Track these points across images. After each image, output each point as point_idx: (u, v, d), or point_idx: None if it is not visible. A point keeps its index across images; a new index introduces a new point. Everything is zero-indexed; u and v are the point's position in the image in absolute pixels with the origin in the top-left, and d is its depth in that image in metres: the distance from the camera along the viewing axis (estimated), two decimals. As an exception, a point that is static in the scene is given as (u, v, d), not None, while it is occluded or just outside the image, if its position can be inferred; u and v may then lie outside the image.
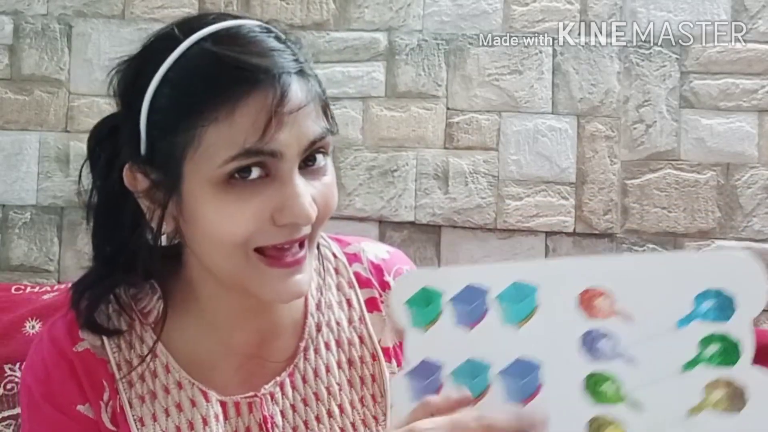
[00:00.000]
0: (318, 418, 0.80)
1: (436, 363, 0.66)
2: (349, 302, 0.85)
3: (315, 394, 0.80)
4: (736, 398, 0.59)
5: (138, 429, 0.76)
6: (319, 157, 0.71)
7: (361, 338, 0.84)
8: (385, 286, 0.86)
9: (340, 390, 0.81)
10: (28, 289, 1.49)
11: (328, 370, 0.81)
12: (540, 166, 1.73)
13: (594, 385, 0.62)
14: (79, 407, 0.76)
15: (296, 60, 0.70)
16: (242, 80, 0.67)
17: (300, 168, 0.70)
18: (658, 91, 1.73)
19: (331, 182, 0.73)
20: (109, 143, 0.77)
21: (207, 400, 0.77)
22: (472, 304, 0.66)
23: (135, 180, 0.73)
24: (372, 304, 0.85)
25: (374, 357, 0.83)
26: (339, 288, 0.86)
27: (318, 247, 0.84)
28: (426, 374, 0.66)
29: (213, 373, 0.79)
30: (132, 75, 0.73)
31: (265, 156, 0.67)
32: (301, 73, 0.70)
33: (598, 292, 0.63)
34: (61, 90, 1.75)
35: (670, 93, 1.72)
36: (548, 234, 1.73)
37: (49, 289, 1.50)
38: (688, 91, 1.72)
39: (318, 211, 0.70)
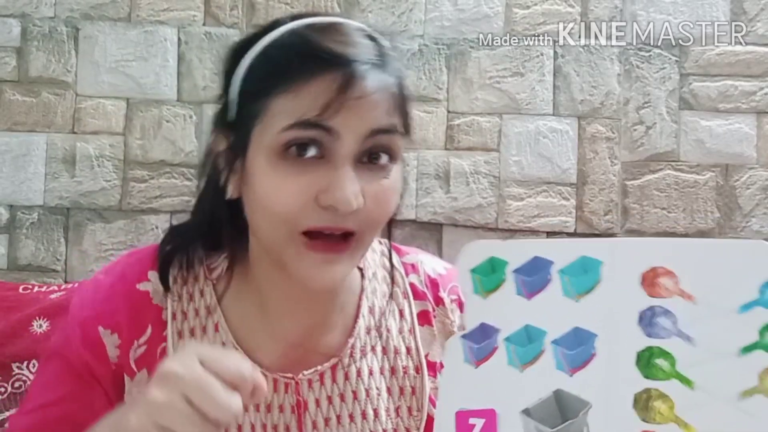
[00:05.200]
0: (351, 416, 0.80)
1: (494, 326, 0.66)
2: (401, 312, 0.85)
3: (353, 392, 0.80)
4: None
5: None
6: (383, 156, 0.71)
7: (408, 349, 0.83)
8: (439, 301, 0.86)
9: (378, 395, 0.81)
10: (36, 289, 1.51)
11: (371, 373, 0.81)
12: (541, 167, 1.74)
13: (648, 359, 0.62)
14: (100, 328, 0.78)
15: (378, 55, 0.72)
16: (316, 59, 0.69)
17: (362, 162, 0.70)
18: (658, 93, 1.74)
19: (390, 187, 0.73)
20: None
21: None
22: (535, 275, 0.66)
23: (218, 142, 0.77)
24: (424, 318, 0.85)
25: (418, 370, 0.83)
26: (393, 296, 0.85)
27: (389, 255, 0.86)
28: (482, 337, 0.66)
29: (257, 353, 0.79)
30: (235, 49, 0.77)
31: (321, 131, 0.68)
32: (379, 66, 0.71)
33: (664, 270, 0.63)
34: (68, 92, 1.76)
35: (670, 95, 1.73)
36: (549, 234, 1.74)
37: (56, 288, 1.51)
38: (687, 93, 1.73)
39: (368, 210, 0.70)
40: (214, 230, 0.81)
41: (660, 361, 0.62)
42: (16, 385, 1.39)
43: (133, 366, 0.79)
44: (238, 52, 0.76)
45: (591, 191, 1.74)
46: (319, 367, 0.80)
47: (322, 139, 0.69)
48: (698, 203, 1.72)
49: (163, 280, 0.80)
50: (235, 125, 0.74)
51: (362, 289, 0.85)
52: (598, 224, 1.73)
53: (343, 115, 0.68)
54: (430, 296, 0.86)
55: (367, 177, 0.70)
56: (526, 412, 0.64)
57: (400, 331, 0.84)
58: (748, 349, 0.60)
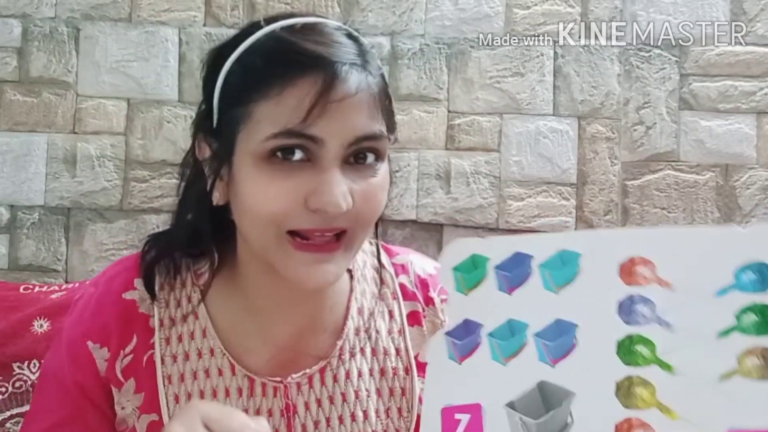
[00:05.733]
0: (341, 419, 0.80)
1: (477, 322, 0.67)
2: (390, 313, 0.85)
3: (342, 394, 0.80)
4: None
5: (164, 386, 0.77)
6: (370, 156, 0.72)
7: (397, 350, 0.83)
8: (429, 301, 0.86)
9: (368, 396, 0.81)
10: (36, 289, 1.50)
11: (359, 375, 0.81)
12: (541, 167, 1.74)
13: (628, 346, 0.63)
14: (89, 343, 0.79)
15: (359, 55, 0.72)
16: (296, 62, 0.69)
17: (348, 163, 0.71)
18: (658, 93, 1.74)
19: (378, 184, 0.73)
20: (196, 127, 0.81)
21: (233, 373, 0.78)
22: (516, 270, 0.67)
23: (202, 149, 0.77)
24: (414, 318, 0.85)
25: (407, 371, 0.83)
26: (383, 297, 0.85)
27: (377, 255, 0.86)
28: (466, 333, 0.67)
29: (246, 356, 0.79)
30: (214, 56, 0.77)
31: (305, 140, 0.68)
32: (360, 67, 0.71)
33: (641, 259, 0.64)
34: (68, 92, 1.76)
35: (670, 95, 1.74)
36: (549, 234, 1.74)
37: (57, 288, 1.51)
38: (687, 94, 1.74)
39: (358, 209, 0.70)
40: (198, 236, 0.80)
41: (640, 348, 0.62)
42: (17, 384, 1.39)
43: (120, 376, 0.79)
44: (217, 57, 0.76)
45: (591, 191, 1.74)
46: (307, 370, 0.80)
47: (307, 145, 0.69)
48: (698, 203, 1.72)
49: (149, 287, 0.80)
50: (218, 132, 0.74)
51: (351, 290, 0.85)
52: (598, 224, 1.74)
53: (326, 121, 0.68)
54: (420, 296, 0.86)
55: (354, 176, 0.71)
56: (511, 405, 0.65)
57: (390, 332, 0.84)
58: (725, 332, 0.61)
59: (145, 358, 0.79)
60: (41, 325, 1.42)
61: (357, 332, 0.83)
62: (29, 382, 1.39)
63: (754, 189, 1.71)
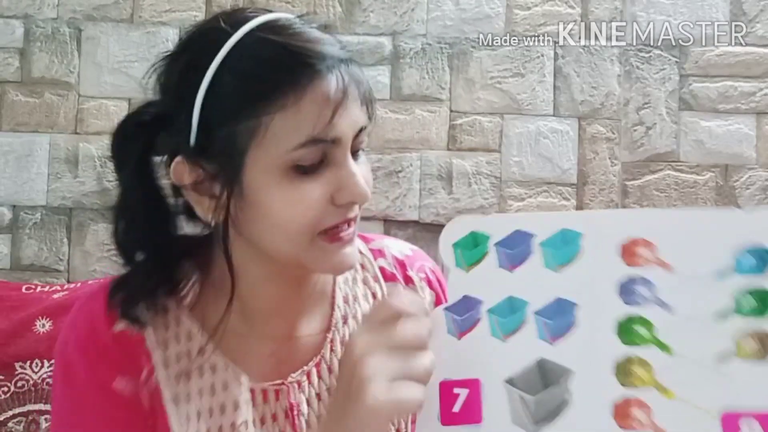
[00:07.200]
0: None
1: (477, 299, 0.68)
2: (374, 295, 0.86)
3: (339, 359, 0.79)
4: (766, 349, 0.60)
5: (173, 408, 0.75)
6: (363, 144, 0.74)
7: None
8: (408, 280, 0.88)
9: None
10: (39, 289, 1.51)
11: None
12: (542, 168, 1.75)
13: (627, 326, 0.63)
14: (117, 382, 0.75)
15: (343, 48, 0.73)
16: (305, 68, 0.68)
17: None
18: (658, 94, 1.74)
19: (368, 169, 0.76)
20: (138, 141, 0.75)
21: (239, 383, 0.77)
22: (517, 248, 0.67)
23: (178, 174, 0.73)
24: None
25: None
26: (365, 282, 0.87)
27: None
28: (465, 309, 0.68)
29: (247, 358, 0.79)
30: (182, 68, 0.73)
31: (328, 144, 0.69)
32: (348, 60, 0.72)
33: (642, 240, 0.64)
34: (70, 93, 1.76)
35: (670, 95, 1.74)
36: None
37: (59, 288, 1.51)
38: (687, 94, 1.74)
39: None
40: (169, 268, 0.78)
41: (639, 328, 0.63)
42: (19, 384, 1.39)
43: (146, 403, 0.76)
44: (186, 69, 0.72)
45: (591, 191, 1.74)
46: (305, 368, 0.80)
47: (327, 148, 0.70)
48: (698, 203, 1.72)
49: (134, 319, 0.76)
50: (210, 150, 0.70)
51: (335, 279, 0.86)
52: (598, 224, 1.74)
53: (342, 121, 0.69)
54: (399, 276, 0.88)
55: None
56: (510, 381, 0.65)
57: None
58: (724, 314, 0.61)
59: (152, 382, 0.76)
60: (43, 325, 1.42)
61: (345, 321, 0.84)
62: (31, 382, 1.39)
63: (753, 189, 1.72)
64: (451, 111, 1.76)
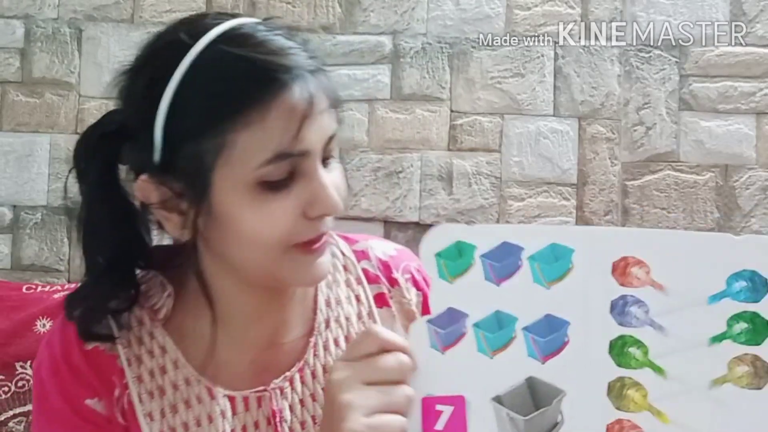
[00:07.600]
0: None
1: (462, 311, 0.66)
2: (357, 298, 0.84)
3: (324, 389, 0.78)
4: (760, 375, 0.60)
5: (147, 424, 0.75)
6: (334, 151, 0.72)
7: None
8: (393, 282, 0.86)
9: None
10: (39, 288, 1.51)
11: None
12: (542, 168, 1.75)
13: (621, 347, 0.63)
14: (88, 401, 0.75)
15: (311, 57, 0.70)
16: (269, 82, 0.66)
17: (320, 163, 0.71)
18: (658, 94, 1.74)
19: (341, 175, 0.74)
20: (101, 152, 0.74)
21: (212, 396, 0.76)
22: (504, 261, 0.66)
23: (148, 192, 0.71)
24: (381, 300, 0.85)
25: None
26: (348, 284, 0.85)
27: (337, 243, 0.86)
28: (449, 322, 0.66)
29: (226, 366, 0.77)
30: (143, 83, 0.71)
31: (296, 158, 0.67)
32: (314, 70, 0.70)
33: (635, 260, 0.64)
34: (71, 93, 1.76)
35: (670, 96, 1.74)
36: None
37: (59, 288, 1.52)
38: (687, 94, 1.74)
39: None
40: (134, 281, 0.77)
41: (633, 350, 0.63)
42: (20, 384, 1.40)
43: (121, 421, 0.76)
44: (147, 85, 0.69)
45: (591, 191, 1.74)
46: (287, 373, 0.79)
47: (296, 161, 0.68)
48: (698, 203, 1.73)
49: (96, 337, 0.75)
50: (175, 168, 0.68)
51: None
52: (598, 224, 1.74)
53: (310, 133, 0.68)
54: (383, 278, 0.86)
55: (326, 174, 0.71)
56: (498, 399, 0.64)
57: (359, 316, 0.84)
58: (717, 338, 0.62)
59: (126, 399, 0.76)
60: (44, 325, 1.42)
61: (327, 324, 0.82)
62: (31, 382, 1.39)
63: (753, 189, 1.72)
64: (452, 111, 1.76)
